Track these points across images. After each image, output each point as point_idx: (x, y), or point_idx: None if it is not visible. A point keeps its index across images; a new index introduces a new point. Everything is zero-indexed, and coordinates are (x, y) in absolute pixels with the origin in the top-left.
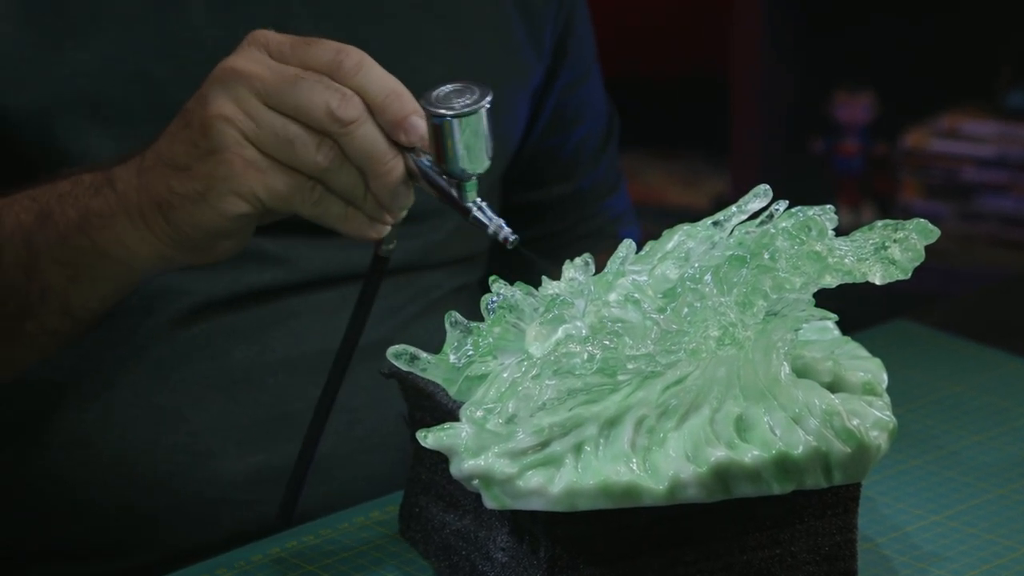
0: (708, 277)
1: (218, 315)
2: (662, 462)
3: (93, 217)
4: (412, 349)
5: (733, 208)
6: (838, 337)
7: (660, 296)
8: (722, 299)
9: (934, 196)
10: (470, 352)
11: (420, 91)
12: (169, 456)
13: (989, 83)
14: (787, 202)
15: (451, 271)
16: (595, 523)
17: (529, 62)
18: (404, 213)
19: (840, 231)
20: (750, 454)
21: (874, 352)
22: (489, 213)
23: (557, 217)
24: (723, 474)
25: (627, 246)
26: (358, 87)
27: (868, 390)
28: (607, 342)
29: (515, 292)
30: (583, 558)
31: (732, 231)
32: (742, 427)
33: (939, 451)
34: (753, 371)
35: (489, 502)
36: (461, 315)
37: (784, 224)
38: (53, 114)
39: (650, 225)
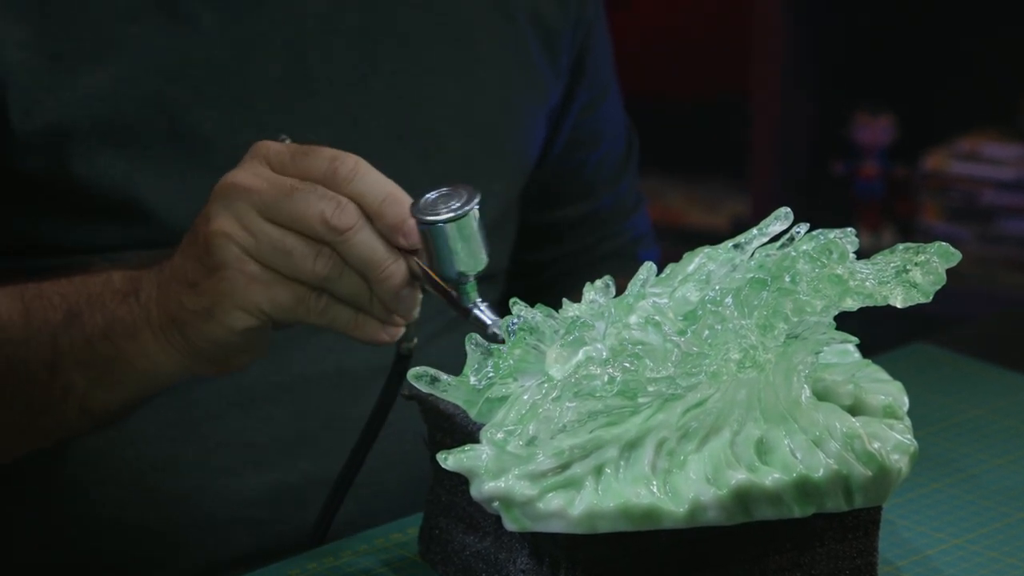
0: (729, 300)
1: None
2: (682, 485)
3: (118, 326)
4: (432, 371)
5: (754, 231)
6: (859, 360)
7: (681, 319)
8: (743, 322)
9: (954, 219)
10: (491, 374)
11: (433, 104)
12: (185, 473)
13: (1009, 106)
14: (808, 225)
15: None
16: (615, 546)
17: (545, 80)
18: (416, 314)
19: (860, 254)
20: (771, 477)
21: (894, 375)
22: (489, 314)
23: (577, 237)
24: (743, 497)
25: (648, 268)
26: (354, 194)
27: (889, 413)
28: (627, 364)
29: (536, 314)
30: None
31: (753, 254)
32: (762, 450)
33: (960, 474)
34: (774, 394)
35: (509, 524)
36: (478, 336)
37: (805, 247)
38: (66, 137)
39: (670, 247)
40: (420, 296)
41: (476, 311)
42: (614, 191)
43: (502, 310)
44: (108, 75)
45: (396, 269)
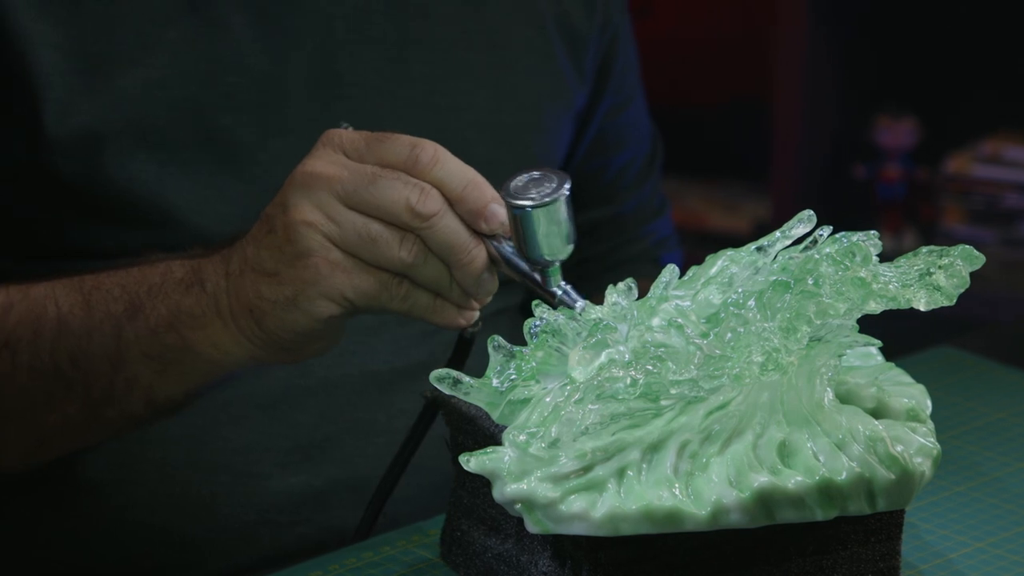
0: (752, 302)
1: None
2: (705, 487)
3: (185, 316)
4: (455, 373)
5: (777, 233)
6: (882, 363)
7: (703, 321)
8: (766, 324)
9: (976, 222)
10: (513, 376)
11: (461, 109)
12: (210, 477)
13: None
14: (831, 227)
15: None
16: (637, 548)
17: (571, 84)
18: (490, 298)
19: (882, 257)
20: (793, 480)
21: (917, 378)
22: (574, 295)
23: (599, 240)
24: (766, 500)
25: (670, 271)
26: (436, 180)
27: (912, 416)
28: (650, 367)
29: (558, 316)
30: None
31: (776, 256)
32: (785, 453)
33: (983, 478)
34: (797, 397)
35: (531, 526)
36: (502, 335)
37: (828, 250)
38: (100, 141)
39: (690, 250)
40: (497, 281)
41: (562, 295)
42: (638, 195)
43: (522, 314)
44: (141, 79)
45: (478, 254)
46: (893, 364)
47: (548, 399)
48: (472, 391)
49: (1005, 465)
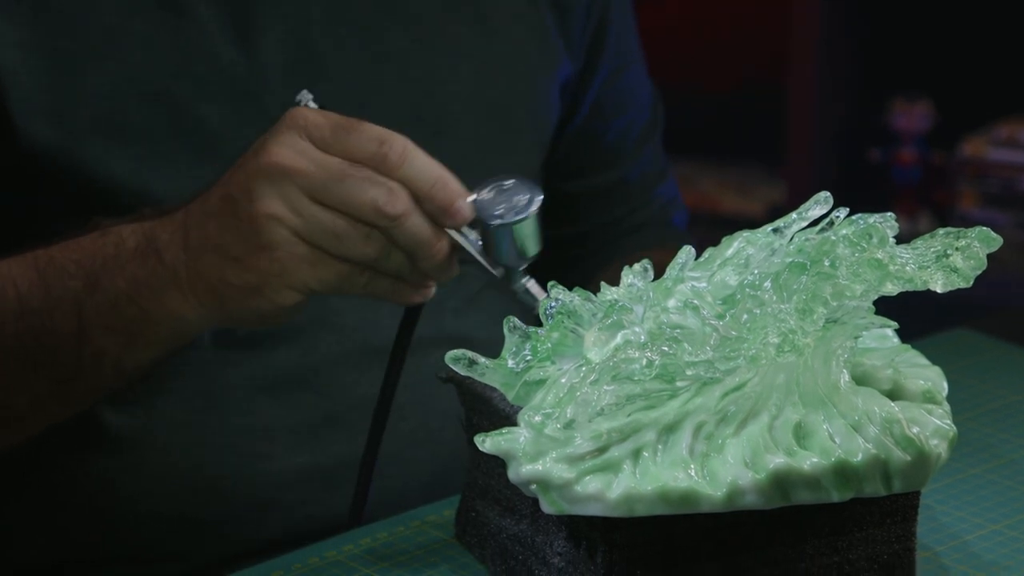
0: (768, 284)
1: None
2: (720, 468)
3: (143, 288)
4: (470, 354)
5: (793, 215)
6: (898, 345)
7: (719, 302)
8: (782, 306)
9: (992, 205)
10: (528, 357)
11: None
12: (217, 460)
13: None
14: (848, 209)
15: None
16: (652, 529)
17: (559, 50)
18: (448, 279)
19: (898, 241)
20: (809, 461)
21: (933, 361)
22: (535, 291)
23: (610, 206)
24: (782, 481)
25: (687, 252)
26: (404, 178)
27: (928, 398)
28: (666, 348)
29: (574, 297)
30: (640, 564)
31: (792, 238)
32: (801, 434)
33: (998, 460)
34: (813, 378)
35: (546, 507)
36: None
37: (845, 231)
38: (76, 138)
39: (704, 233)
40: (458, 266)
41: (523, 292)
42: (640, 160)
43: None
44: (110, 73)
45: (442, 247)
46: (909, 346)
47: (564, 380)
48: (487, 372)
49: (1021, 447)
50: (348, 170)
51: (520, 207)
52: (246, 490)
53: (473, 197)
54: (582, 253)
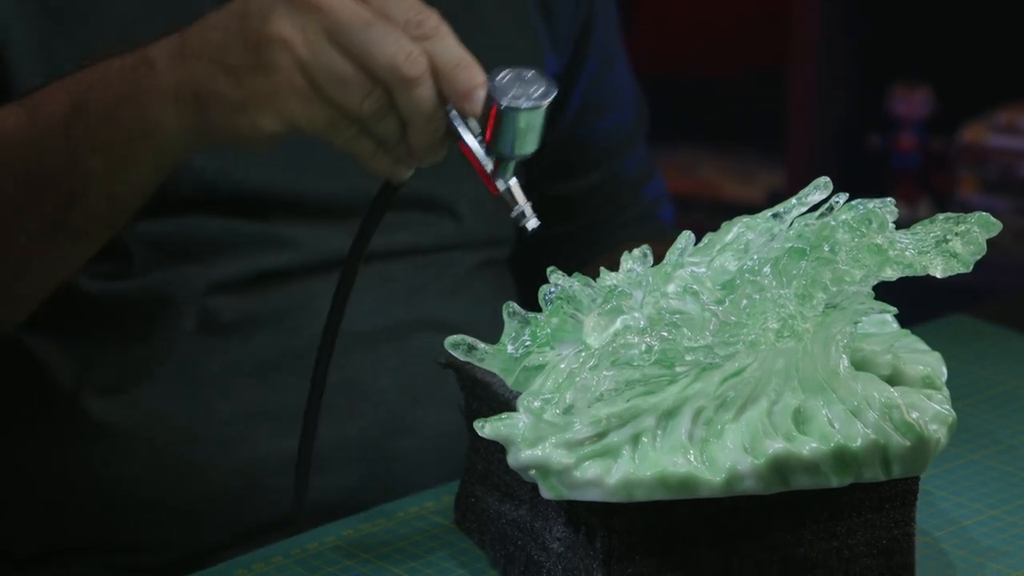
0: (767, 269)
1: (240, 301)
2: (719, 454)
3: (128, 100)
4: (469, 339)
5: (793, 200)
6: (897, 330)
7: (719, 288)
8: (781, 291)
9: (991, 191)
10: (528, 343)
11: None
12: (201, 445)
13: None
14: (847, 194)
15: (478, 250)
16: (652, 514)
17: (543, 46)
18: (430, 163)
19: (897, 227)
20: (808, 446)
21: (933, 346)
22: (518, 194)
23: (601, 204)
24: (781, 466)
25: (686, 237)
26: (430, 50)
27: (927, 384)
28: (665, 333)
29: (573, 283)
30: (639, 549)
31: (792, 223)
32: (800, 419)
33: (997, 445)
34: (812, 363)
35: (546, 492)
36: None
37: (844, 216)
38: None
39: (704, 219)
40: (446, 151)
41: (509, 188)
42: (628, 158)
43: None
44: (103, 28)
45: (440, 125)
46: (908, 331)
47: (563, 365)
48: (487, 357)
49: (1021, 433)
50: (376, 21)
51: (534, 96)
52: (230, 476)
53: (490, 77)
54: (571, 249)
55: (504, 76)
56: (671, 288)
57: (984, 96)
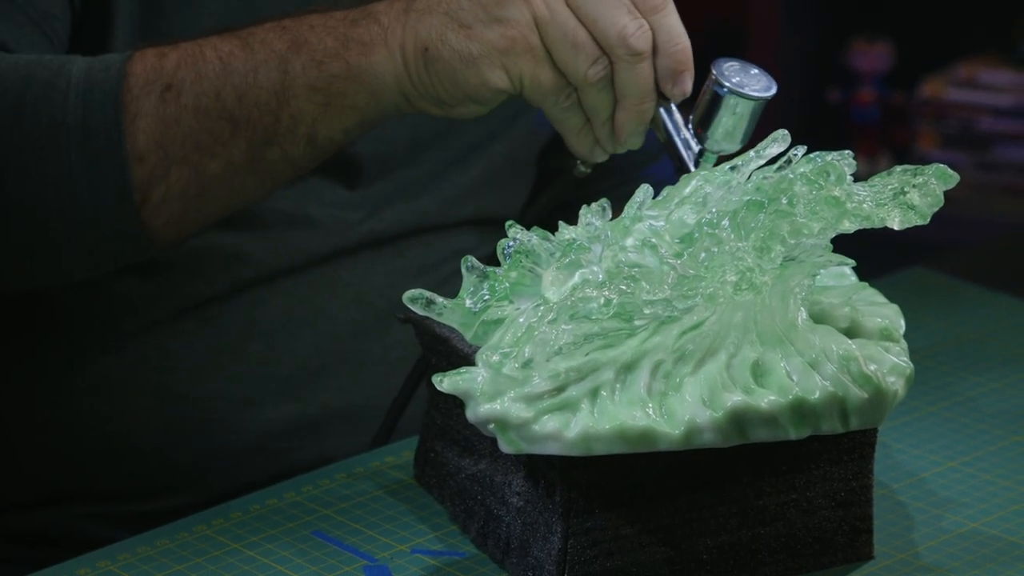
0: (726, 222)
1: (259, 264)
2: (678, 407)
3: (353, 43)
4: (428, 294)
5: (751, 153)
6: (855, 283)
7: (677, 241)
8: (739, 244)
9: (951, 145)
10: (486, 297)
11: None
12: (206, 403)
13: (1007, 33)
14: (805, 147)
15: (484, 230)
16: (611, 468)
17: None
18: (625, 150)
19: (856, 180)
20: (766, 399)
21: (891, 299)
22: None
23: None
24: (739, 419)
25: (644, 191)
26: (655, 24)
27: (885, 336)
28: (624, 287)
29: (532, 237)
30: (598, 502)
31: (750, 176)
32: (759, 372)
33: (955, 397)
34: (770, 316)
35: (505, 446)
36: (473, 258)
37: (802, 169)
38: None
39: None
40: (644, 140)
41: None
42: None
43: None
44: (197, 12)
45: (650, 107)
46: (867, 284)
47: (522, 319)
48: (445, 312)
49: (978, 385)
50: None
51: (757, 88)
52: (233, 435)
53: (716, 64)
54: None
55: (731, 65)
56: (629, 242)
57: (944, 51)
